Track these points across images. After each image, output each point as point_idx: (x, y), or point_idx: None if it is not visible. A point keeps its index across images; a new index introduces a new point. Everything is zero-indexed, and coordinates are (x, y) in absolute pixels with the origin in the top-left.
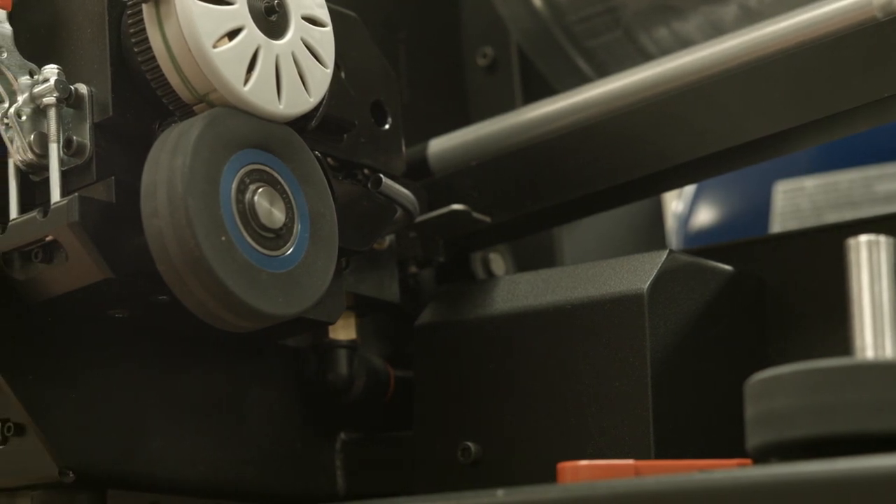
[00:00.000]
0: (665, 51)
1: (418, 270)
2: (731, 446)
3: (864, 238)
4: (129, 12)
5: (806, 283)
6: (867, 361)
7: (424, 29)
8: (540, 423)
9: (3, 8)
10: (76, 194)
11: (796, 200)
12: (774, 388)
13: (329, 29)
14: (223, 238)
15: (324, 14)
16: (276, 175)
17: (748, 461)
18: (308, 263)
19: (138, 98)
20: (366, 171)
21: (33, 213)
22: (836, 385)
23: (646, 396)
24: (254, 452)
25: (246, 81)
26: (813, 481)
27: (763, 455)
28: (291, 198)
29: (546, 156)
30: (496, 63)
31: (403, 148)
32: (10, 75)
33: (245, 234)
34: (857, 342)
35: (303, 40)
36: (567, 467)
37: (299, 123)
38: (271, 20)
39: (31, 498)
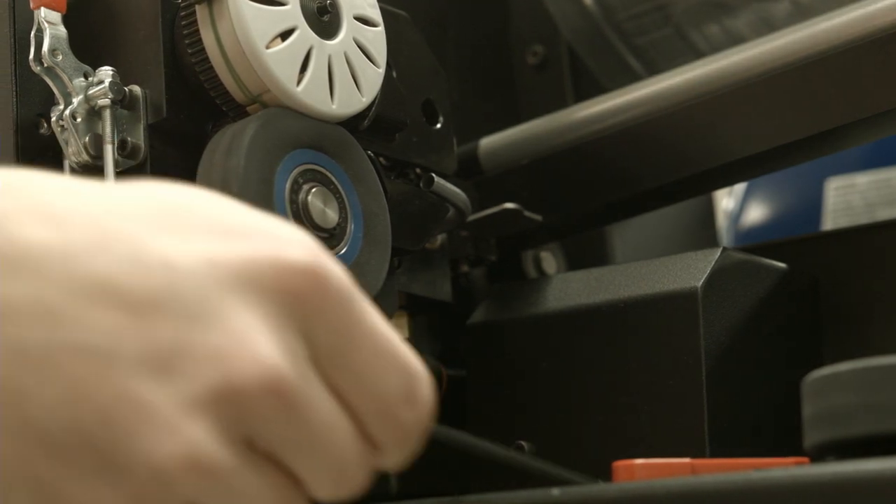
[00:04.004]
0: (716, 48)
1: (470, 269)
2: (786, 444)
3: None
4: (182, 13)
5: (859, 280)
6: None
7: (474, 27)
8: (593, 421)
9: (58, 10)
10: None
11: (848, 197)
12: (832, 385)
13: (381, 28)
14: None
15: (375, 14)
16: (329, 175)
17: (805, 460)
18: (361, 263)
19: (192, 99)
20: (418, 170)
21: None
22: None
23: (700, 394)
24: None
25: (299, 82)
26: (872, 480)
27: (821, 453)
28: (345, 197)
29: (597, 154)
30: (546, 61)
31: (455, 147)
32: (65, 77)
33: None
34: None
35: (355, 40)
36: (622, 466)
37: (352, 123)
38: (324, 20)
39: None
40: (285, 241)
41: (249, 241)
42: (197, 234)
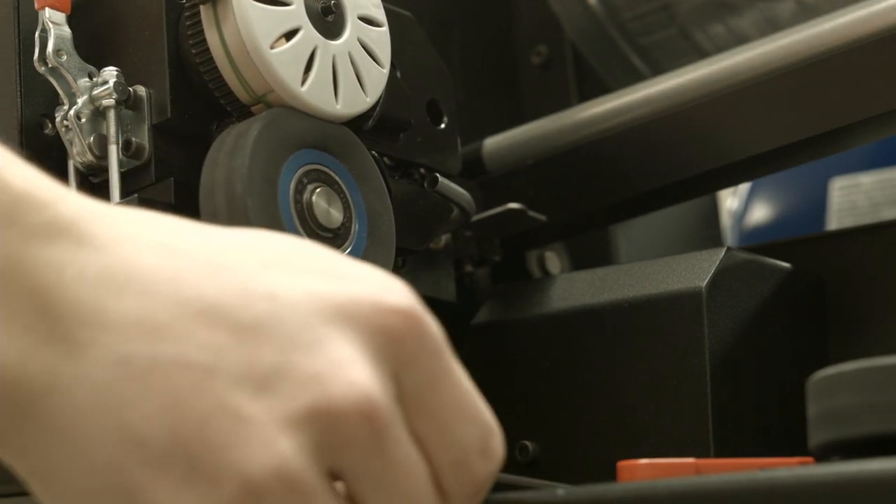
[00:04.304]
0: (720, 48)
1: (474, 269)
2: (791, 444)
3: None
4: (186, 14)
5: (864, 280)
6: None
7: (478, 27)
8: (598, 421)
9: (63, 11)
10: (136, 196)
11: (853, 197)
12: (837, 385)
13: (385, 29)
14: None
15: (380, 14)
16: (333, 175)
17: (810, 459)
18: (366, 263)
19: (196, 99)
20: (422, 170)
21: None
22: None
23: (705, 394)
24: None
25: (303, 82)
26: (877, 480)
27: (825, 453)
28: (349, 197)
29: (601, 154)
30: (550, 61)
31: (459, 147)
32: (69, 78)
33: (303, 233)
34: None
35: (359, 40)
36: (627, 466)
37: (356, 123)
38: (328, 20)
39: None
40: (386, 287)
41: (352, 283)
42: (302, 274)
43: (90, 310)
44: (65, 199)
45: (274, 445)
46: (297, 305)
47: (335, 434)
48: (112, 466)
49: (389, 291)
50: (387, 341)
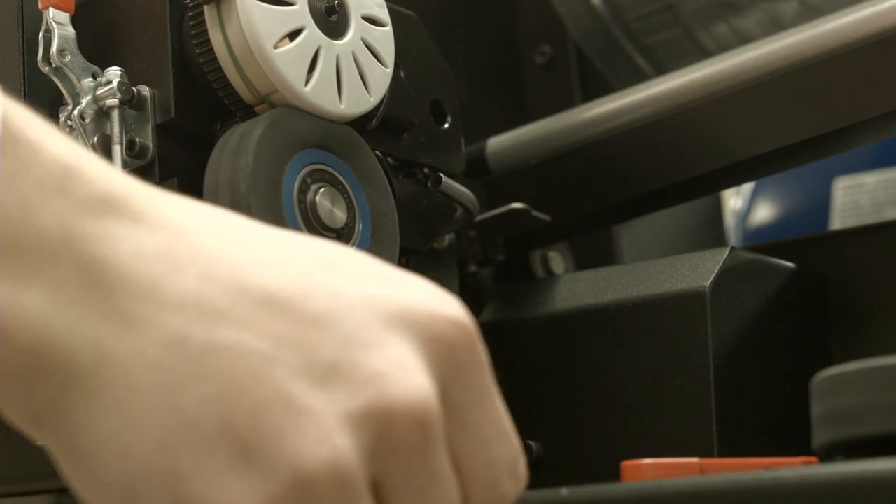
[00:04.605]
0: (724, 47)
1: (478, 269)
2: (795, 444)
3: None
4: (190, 14)
5: (868, 280)
6: None
7: (482, 27)
8: (601, 421)
9: (67, 11)
10: None
11: (856, 197)
12: (841, 385)
13: (389, 28)
14: None
15: (383, 14)
16: (337, 175)
17: (814, 459)
18: None
19: (200, 99)
20: (426, 170)
21: None
22: None
23: (708, 394)
24: None
25: (307, 82)
26: (881, 479)
27: (829, 453)
28: (353, 197)
29: (605, 154)
30: (554, 61)
31: (463, 147)
32: (73, 78)
33: (307, 233)
34: None
35: (363, 40)
36: (631, 466)
37: (360, 123)
38: (332, 20)
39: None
40: (441, 298)
41: (409, 291)
42: (359, 277)
43: (147, 286)
44: (115, 175)
45: (331, 440)
46: (357, 306)
47: (389, 436)
48: (160, 448)
49: (444, 303)
50: (440, 351)
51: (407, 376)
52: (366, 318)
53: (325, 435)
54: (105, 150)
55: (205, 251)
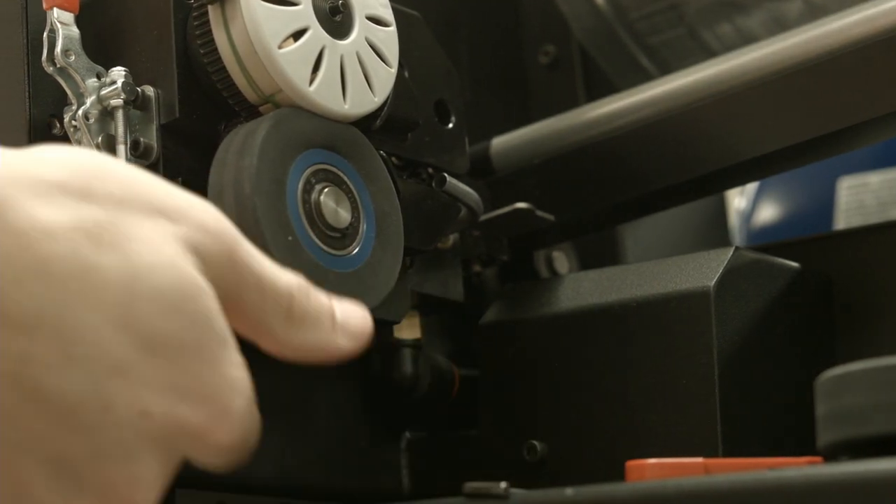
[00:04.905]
0: (728, 47)
1: (482, 269)
2: (799, 444)
3: None
4: (194, 14)
5: (872, 280)
6: None
7: (486, 27)
8: (606, 421)
9: (71, 11)
10: None
11: (860, 196)
12: (846, 385)
13: (393, 28)
14: (290, 238)
15: (388, 14)
16: (341, 175)
17: (818, 459)
18: (374, 263)
19: (204, 99)
20: (430, 170)
21: None
22: None
23: (713, 394)
24: (320, 451)
25: (311, 82)
26: (886, 479)
27: (834, 453)
28: (357, 197)
29: (609, 153)
30: (558, 61)
31: (467, 146)
32: (77, 78)
33: (312, 234)
34: None
35: (367, 40)
36: (635, 466)
37: (364, 123)
38: (336, 20)
39: None
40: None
41: None
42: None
43: None
44: None
45: None
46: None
47: None
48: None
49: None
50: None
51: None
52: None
53: None
54: (109, 150)
55: None
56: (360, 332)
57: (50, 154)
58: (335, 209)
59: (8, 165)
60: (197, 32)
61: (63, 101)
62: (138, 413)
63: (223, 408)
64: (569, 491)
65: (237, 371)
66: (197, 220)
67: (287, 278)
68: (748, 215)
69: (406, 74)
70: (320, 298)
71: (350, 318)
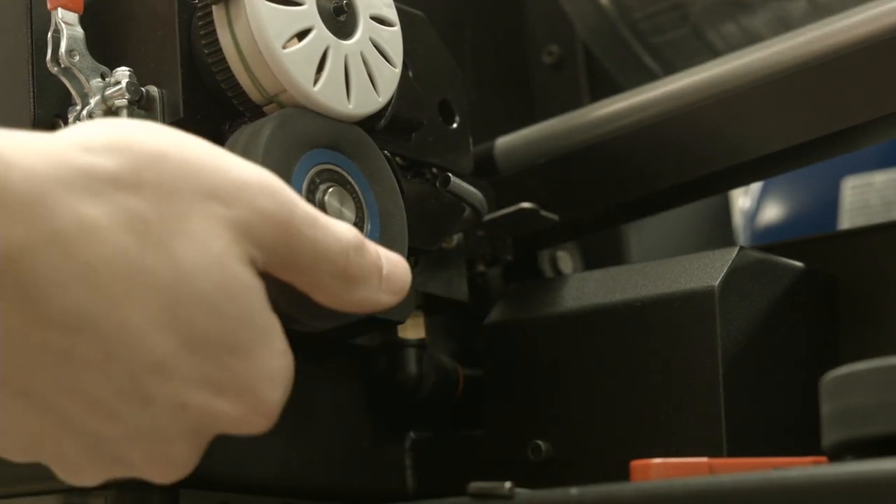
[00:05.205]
0: (733, 47)
1: (486, 269)
2: (804, 444)
3: None
4: (198, 14)
5: (877, 279)
6: None
7: (490, 27)
8: (611, 421)
9: (75, 11)
10: None
11: (865, 196)
12: (851, 384)
13: (397, 28)
14: None
15: (392, 14)
16: (345, 175)
17: (823, 459)
18: None
19: (208, 100)
20: (434, 170)
21: None
22: None
23: (717, 394)
24: (324, 452)
25: (315, 82)
26: (890, 479)
27: (839, 452)
28: (361, 197)
29: (613, 153)
30: (562, 61)
31: (471, 146)
32: (82, 78)
33: None
34: None
35: (371, 40)
36: (640, 465)
37: (368, 123)
38: (340, 20)
39: (105, 498)
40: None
41: None
42: None
43: None
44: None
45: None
46: None
47: None
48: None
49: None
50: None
51: None
52: None
53: None
54: None
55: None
56: (401, 287)
57: (98, 138)
58: (339, 209)
59: (50, 158)
60: (201, 32)
61: (67, 101)
62: (177, 406)
63: (258, 401)
64: (574, 491)
65: (277, 361)
66: (249, 202)
67: (342, 239)
68: (752, 215)
69: (410, 74)
70: (371, 255)
71: (393, 273)
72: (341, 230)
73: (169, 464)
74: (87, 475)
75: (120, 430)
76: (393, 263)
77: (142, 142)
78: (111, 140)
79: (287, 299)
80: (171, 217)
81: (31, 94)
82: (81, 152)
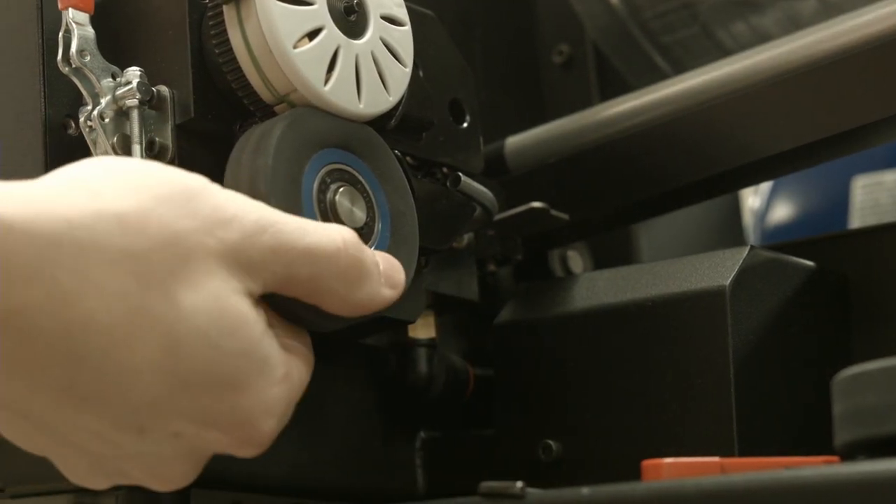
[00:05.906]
0: (743, 46)
1: (497, 269)
2: (816, 443)
3: None
4: (209, 14)
5: (888, 278)
6: None
7: (500, 27)
8: (621, 420)
9: (86, 11)
10: None
11: (875, 195)
12: (863, 384)
13: (408, 28)
14: None
15: (402, 13)
16: (356, 174)
17: (835, 458)
18: None
19: (219, 99)
20: (445, 169)
21: None
22: None
23: (728, 393)
24: (334, 451)
25: (326, 81)
26: None
27: (851, 452)
28: (372, 197)
29: (623, 153)
30: (572, 60)
31: (481, 146)
32: (93, 78)
33: None
34: None
35: (382, 39)
36: (651, 465)
37: (379, 123)
38: (351, 20)
39: (116, 497)
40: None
41: None
42: None
43: None
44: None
45: None
46: None
47: None
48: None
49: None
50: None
51: None
52: None
53: None
54: (125, 150)
55: None
56: (399, 280)
57: (101, 178)
58: (350, 209)
59: (50, 216)
60: (212, 32)
61: (78, 101)
62: (170, 435)
63: (253, 431)
64: (585, 490)
65: (275, 390)
66: (238, 232)
67: (335, 240)
68: (763, 214)
69: (421, 74)
70: (366, 250)
71: (389, 267)
72: (332, 232)
73: (168, 480)
74: (92, 482)
75: (119, 452)
76: (385, 258)
77: (148, 183)
78: (116, 181)
79: (298, 310)
80: (173, 257)
81: (42, 94)
82: (89, 198)
